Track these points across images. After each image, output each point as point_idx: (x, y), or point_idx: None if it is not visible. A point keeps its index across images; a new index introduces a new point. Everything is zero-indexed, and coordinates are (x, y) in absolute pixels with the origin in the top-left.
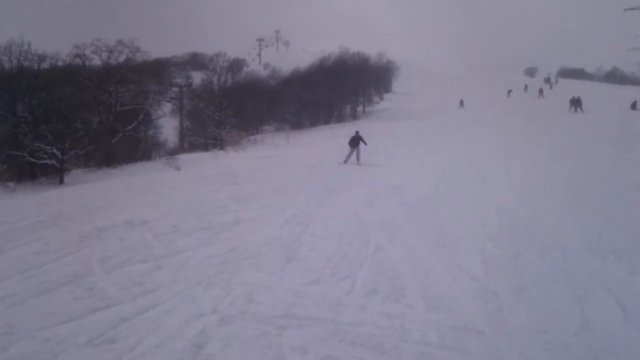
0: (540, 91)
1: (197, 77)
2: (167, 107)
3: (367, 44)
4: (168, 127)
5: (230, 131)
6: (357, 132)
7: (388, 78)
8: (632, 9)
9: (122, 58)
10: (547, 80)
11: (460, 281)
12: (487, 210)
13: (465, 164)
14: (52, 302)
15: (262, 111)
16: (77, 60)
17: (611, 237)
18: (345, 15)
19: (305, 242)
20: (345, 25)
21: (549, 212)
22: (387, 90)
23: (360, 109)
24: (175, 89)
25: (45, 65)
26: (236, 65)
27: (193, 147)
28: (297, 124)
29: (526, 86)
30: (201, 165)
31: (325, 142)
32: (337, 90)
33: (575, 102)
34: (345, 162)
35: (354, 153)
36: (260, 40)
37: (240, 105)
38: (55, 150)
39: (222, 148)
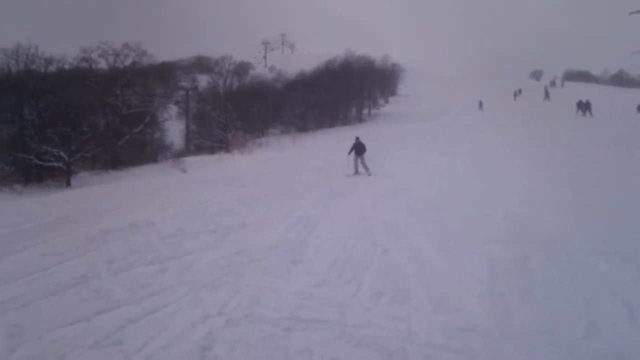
0: (547, 94)
1: (203, 81)
2: (173, 110)
3: (373, 47)
4: (174, 130)
5: (236, 134)
6: (357, 139)
7: (393, 81)
8: (638, 12)
9: (128, 61)
10: (552, 83)
11: (466, 283)
12: (492, 212)
13: (470, 166)
14: (59, 304)
15: (268, 114)
16: (84, 64)
17: (617, 240)
18: (350, 18)
19: (310, 244)
20: (350, 27)
21: (554, 214)
22: (393, 93)
23: (365, 111)
24: (181, 92)
25: (52, 68)
26: (242, 68)
27: (199, 150)
28: (303, 127)
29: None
30: (207, 167)
31: (330, 145)
32: (343, 93)
33: (584, 106)
34: (356, 171)
35: (360, 163)
36: (265, 43)
37: (246, 108)
38: (62, 153)
39: (228, 151)
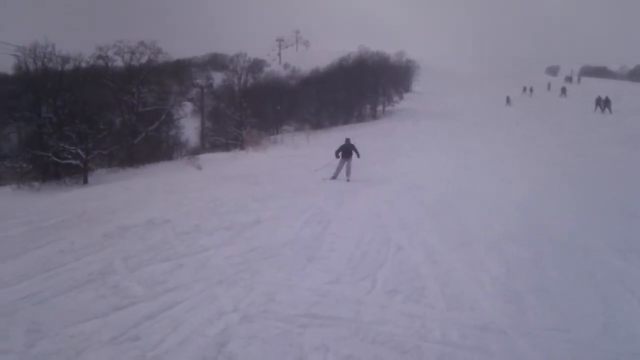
0: (563, 90)
1: (218, 78)
2: (189, 107)
3: (387, 43)
4: (189, 127)
5: (251, 131)
6: (347, 140)
7: (408, 77)
8: None
9: (144, 59)
10: (569, 79)
11: (481, 281)
12: (507, 210)
13: (485, 163)
14: (77, 300)
15: (282, 111)
16: (100, 62)
17: (633, 238)
18: (365, 14)
19: (325, 241)
20: (365, 24)
21: (570, 212)
22: (407, 90)
23: (380, 108)
24: (196, 90)
25: (69, 66)
26: (256, 65)
27: (214, 147)
28: (317, 124)
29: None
30: (222, 165)
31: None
32: (357, 90)
33: (603, 103)
34: (334, 177)
35: (344, 166)
36: (279, 40)
37: (261, 106)
38: (79, 151)
39: (242, 148)
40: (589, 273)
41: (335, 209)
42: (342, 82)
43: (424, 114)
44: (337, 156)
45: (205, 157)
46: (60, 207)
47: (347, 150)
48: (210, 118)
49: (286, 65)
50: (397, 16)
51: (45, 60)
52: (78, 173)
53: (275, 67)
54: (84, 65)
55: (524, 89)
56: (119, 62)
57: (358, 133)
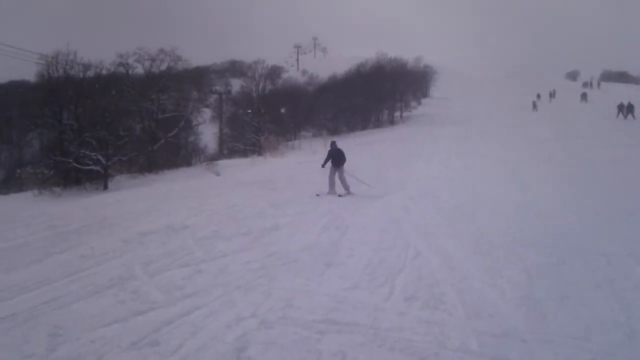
0: (584, 96)
1: (236, 85)
2: (207, 113)
3: (405, 48)
4: (208, 133)
5: (269, 137)
6: (333, 144)
7: (426, 83)
8: None
9: (163, 66)
10: (589, 84)
11: (500, 288)
12: (526, 216)
13: (504, 169)
14: (97, 305)
15: (300, 117)
16: (121, 69)
17: None
18: (383, 20)
19: (343, 247)
20: (382, 30)
21: (590, 218)
22: (425, 95)
23: (397, 114)
24: (215, 96)
25: (90, 74)
26: (274, 72)
27: (232, 153)
28: (335, 130)
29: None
30: (240, 170)
31: (362, 147)
32: (375, 95)
33: (625, 109)
34: (330, 191)
35: (336, 176)
36: (297, 47)
37: (279, 112)
38: (99, 157)
39: (260, 154)
40: (610, 281)
41: (353, 215)
42: (359, 88)
43: (442, 120)
44: (324, 166)
45: (223, 163)
46: (81, 212)
47: (336, 158)
48: (228, 124)
49: (304, 72)
50: (415, 22)
51: (67, 67)
52: (98, 179)
53: (293, 74)
54: (104, 72)
55: (538, 95)
56: (139, 70)
57: (376, 138)
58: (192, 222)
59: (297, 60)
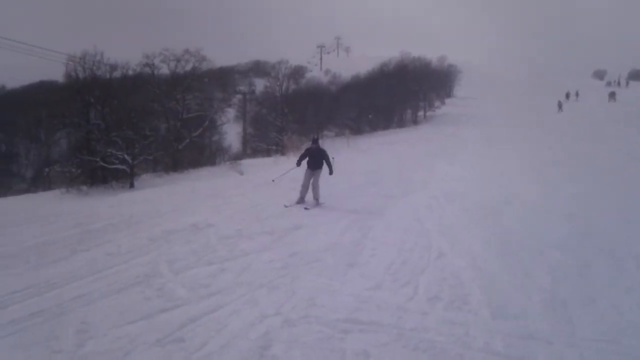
0: (612, 95)
1: (260, 85)
2: (231, 113)
3: (429, 47)
4: (232, 133)
5: (292, 136)
6: (315, 141)
7: (450, 82)
8: None
9: (188, 67)
10: (616, 83)
11: (526, 289)
12: (553, 217)
13: (530, 170)
14: (124, 302)
15: (323, 117)
16: (147, 70)
17: None
18: (407, 19)
19: (366, 247)
20: (406, 29)
21: (618, 220)
22: (449, 95)
23: (421, 113)
24: (239, 96)
25: (116, 74)
26: (297, 72)
27: (255, 153)
28: (357, 130)
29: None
30: (263, 170)
31: (384, 147)
32: (398, 95)
33: None
34: (300, 200)
35: (311, 181)
36: (320, 47)
37: (302, 112)
38: (125, 156)
39: (283, 153)
40: (639, 283)
41: (375, 215)
42: (382, 87)
43: (466, 120)
44: (299, 165)
45: (247, 163)
46: (108, 210)
47: (315, 158)
48: (252, 124)
49: (327, 71)
50: (439, 21)
51: (94, 68)
52: (124, 178)
53: (316, 73)
54: (130, 73)
55: (567, 95)
56: (164, 70)
57: (399, 138)
58: (216, 221)
59: (320, 60)
